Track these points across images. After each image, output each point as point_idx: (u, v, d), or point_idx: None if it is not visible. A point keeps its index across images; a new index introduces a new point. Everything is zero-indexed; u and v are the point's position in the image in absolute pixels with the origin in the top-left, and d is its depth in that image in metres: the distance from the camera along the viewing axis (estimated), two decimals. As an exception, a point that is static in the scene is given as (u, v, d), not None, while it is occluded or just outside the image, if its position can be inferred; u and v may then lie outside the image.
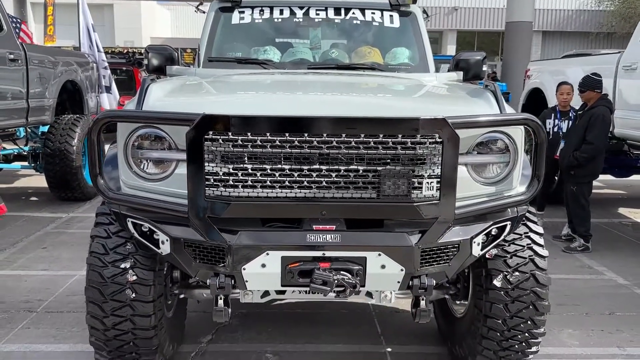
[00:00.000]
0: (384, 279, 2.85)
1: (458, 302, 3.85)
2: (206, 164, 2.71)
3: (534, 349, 3.53)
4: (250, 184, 2.72)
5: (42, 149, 8.14)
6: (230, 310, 2.95)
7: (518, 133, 3.02)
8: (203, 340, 4.20)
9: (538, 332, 3.45)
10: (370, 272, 2.82)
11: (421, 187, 2.76)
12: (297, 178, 2.72)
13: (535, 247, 3.40)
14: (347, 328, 4.47)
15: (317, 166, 2.72)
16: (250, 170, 2.72)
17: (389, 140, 2.71)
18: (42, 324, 4.48)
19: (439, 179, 2.77)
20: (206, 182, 2.73)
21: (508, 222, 3.11)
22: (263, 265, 2.79)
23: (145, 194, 2.98)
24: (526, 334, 3.43)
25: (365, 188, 2.75)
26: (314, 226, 2.84)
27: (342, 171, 2.72)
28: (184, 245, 2.89)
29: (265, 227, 2.86)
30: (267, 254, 2.77)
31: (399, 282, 2.85)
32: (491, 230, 3.04)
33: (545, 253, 3.44)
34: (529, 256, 3.38)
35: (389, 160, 2.73)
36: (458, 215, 2.87)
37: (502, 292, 3.35)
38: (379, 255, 2.79)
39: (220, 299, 2.90)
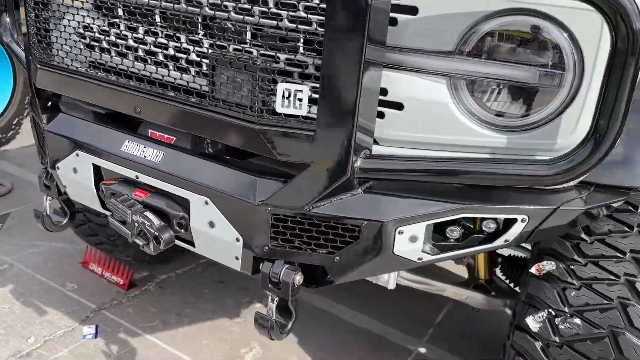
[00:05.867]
0: (215, 245, 1.63)
1: None
2: None
3: None
4: (58, 42, 1.75)
5: None
6: (65, 220, 2.12)
7: (588, 24, 1.29)
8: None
9: None
10: (196, 228, 1.63)
11: (279, 97, 1.38)
12: (117, 40, 1.64)
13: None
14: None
15: (136, 25, 1.57)
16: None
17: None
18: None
19: (316, 86, 1.35)
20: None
21: (520, 216, 1.47)
22: (75, 170, 1.86)
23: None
24: None
25: (195, 82, 1.52)
26: (149, 131, 1.75)
27: (167, 47, 1.54)
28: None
29: (86, 116, 1.87)
30: (77, 154, 1.82)
31: (237, 258, 1.60)
32: (452, 221, 1.47)
33: None
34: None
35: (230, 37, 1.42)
36: (367, 171, 1.42)
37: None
38: (206, 203, 1.57)
39: (47, 199, 2.07)
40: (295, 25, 1.32)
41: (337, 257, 1.50)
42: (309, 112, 1.37)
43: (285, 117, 1.39)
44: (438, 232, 1.54)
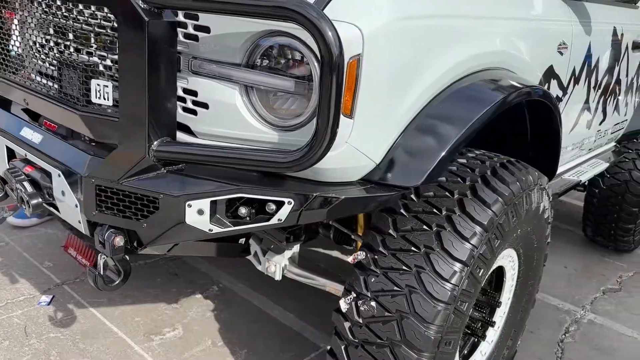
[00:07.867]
0: (67, 211, 2.02)
1: None
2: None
3: None
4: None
5: None
6: (1, 195, 2.58)
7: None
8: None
9: None
10: (56, 196, 2.04)
11: (93, 90, 1.78)
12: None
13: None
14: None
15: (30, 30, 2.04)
16: None
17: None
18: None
19: (116, 84, 1.73)
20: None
21: (287, 199, 1.75)
22: (-2, 150, 2.34)
23: None
24: None
25: (50, 79, 1.97)
26: (44, 120, 2.20)
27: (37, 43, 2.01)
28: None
29: (8, 108, 2.35)
30: (-1, 138, 2.31)
31: (80, 222, 1.98)
32: (233, 199, 1.78)
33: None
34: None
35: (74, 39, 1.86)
36: (163, 156, 1.76)
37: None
38: (59, 175, 1.98)
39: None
40: (99, 35, 1.73)
41: (145, 224, 1.84)
42: (114, 103, 1.75)
43: (98, 106, 1.78)
44: (235, 210, 1.84)
